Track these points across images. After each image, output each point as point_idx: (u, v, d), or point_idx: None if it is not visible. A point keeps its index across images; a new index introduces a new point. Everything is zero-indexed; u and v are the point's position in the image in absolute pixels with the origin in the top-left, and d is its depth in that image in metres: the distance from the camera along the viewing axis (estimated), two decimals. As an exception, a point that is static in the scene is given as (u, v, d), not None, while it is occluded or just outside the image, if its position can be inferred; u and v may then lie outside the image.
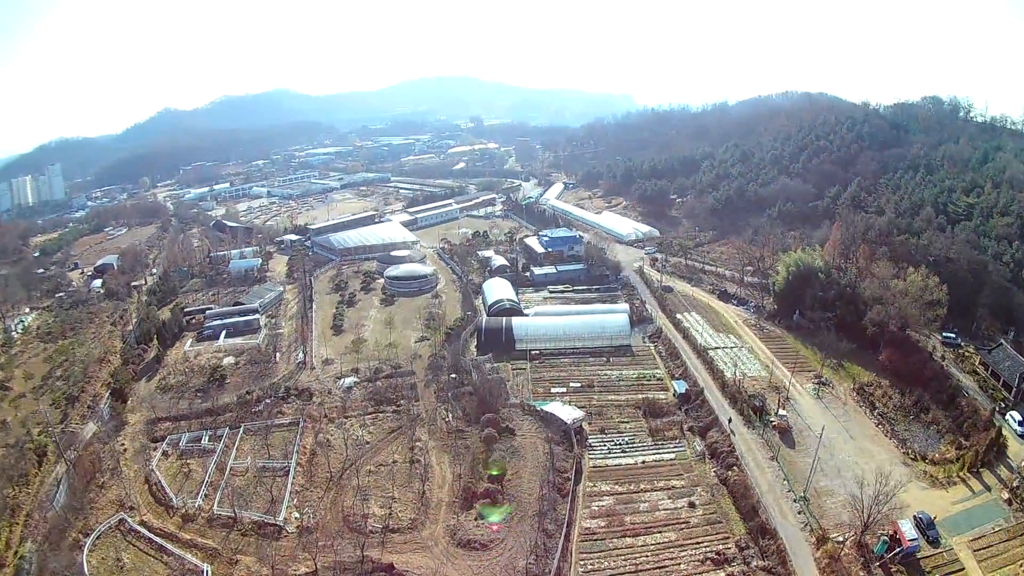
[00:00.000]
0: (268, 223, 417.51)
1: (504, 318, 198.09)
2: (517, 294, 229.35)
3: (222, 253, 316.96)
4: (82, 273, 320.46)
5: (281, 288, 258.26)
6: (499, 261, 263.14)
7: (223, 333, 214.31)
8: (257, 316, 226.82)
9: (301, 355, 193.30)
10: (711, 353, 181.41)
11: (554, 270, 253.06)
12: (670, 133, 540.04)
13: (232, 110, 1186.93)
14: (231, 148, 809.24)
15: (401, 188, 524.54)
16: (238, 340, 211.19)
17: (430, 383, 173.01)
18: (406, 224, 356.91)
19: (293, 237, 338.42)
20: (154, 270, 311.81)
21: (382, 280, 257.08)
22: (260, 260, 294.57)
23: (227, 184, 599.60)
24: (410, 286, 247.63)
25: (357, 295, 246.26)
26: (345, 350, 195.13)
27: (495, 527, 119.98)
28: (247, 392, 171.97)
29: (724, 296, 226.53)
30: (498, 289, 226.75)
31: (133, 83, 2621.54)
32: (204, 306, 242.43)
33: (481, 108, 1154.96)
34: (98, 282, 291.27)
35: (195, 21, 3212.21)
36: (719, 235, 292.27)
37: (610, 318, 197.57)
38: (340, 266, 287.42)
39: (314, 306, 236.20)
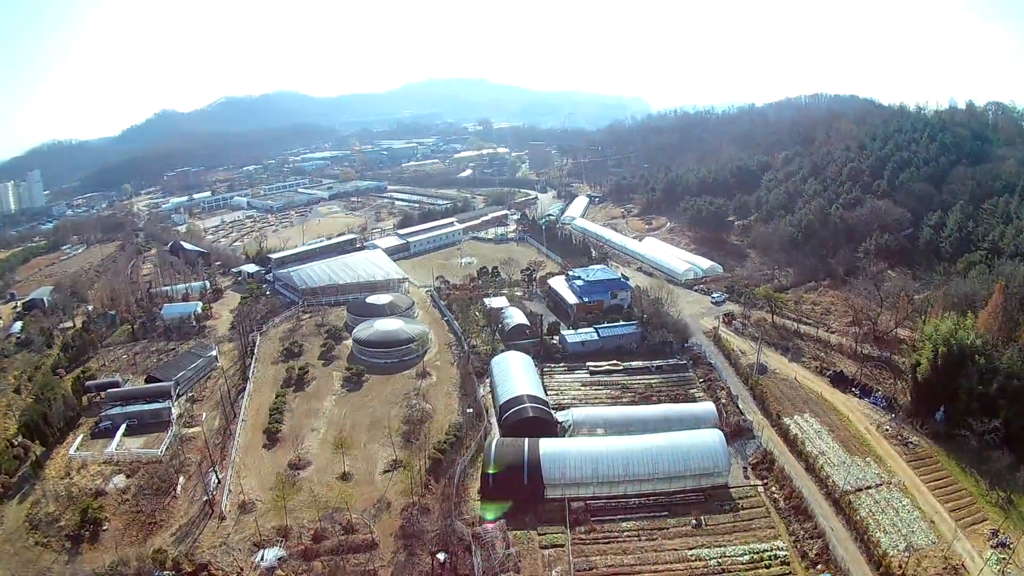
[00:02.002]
0: (235, 243, 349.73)
1: (526, 441, 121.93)
2: (543, 377, 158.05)
3: (166, 288, 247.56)
4: (15, 308, 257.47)
5: (213, 352, 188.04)
6: (515, 318, 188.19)
7: (123, 427, 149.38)
8: (168, 403, 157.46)
9: (212, 488, 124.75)
10: (853, 500, 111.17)
11: (595, 336, 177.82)
12: (706, 138, 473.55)
13: (232, 112, 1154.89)
14: (224, 152, 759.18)
15: (397, 200, 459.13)
16: (138, 443, 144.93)
17: (402, 569, 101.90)
18: (395, 250, 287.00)
19: (251, 268, 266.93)
20: (91, 306, 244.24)
21: (351, 342, 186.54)
22: (199, 305, 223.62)
23: (208, 193, 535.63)
24: (387, 356, 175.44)
25: (312, 369, 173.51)
26: (276, 482, 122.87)
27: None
28: (120, 564, 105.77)
29: (839, 381, 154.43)
30: (516, 374, 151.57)
31: (135, 84, 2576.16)
32: (109, 379, 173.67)
33: (490, 110, 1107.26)
34: (18, 324, 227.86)
35: (199, 20, 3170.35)
36: (802, 274, 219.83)
37: (694, 439, 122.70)
38: (300, 315, 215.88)
39: (249, 387, 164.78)
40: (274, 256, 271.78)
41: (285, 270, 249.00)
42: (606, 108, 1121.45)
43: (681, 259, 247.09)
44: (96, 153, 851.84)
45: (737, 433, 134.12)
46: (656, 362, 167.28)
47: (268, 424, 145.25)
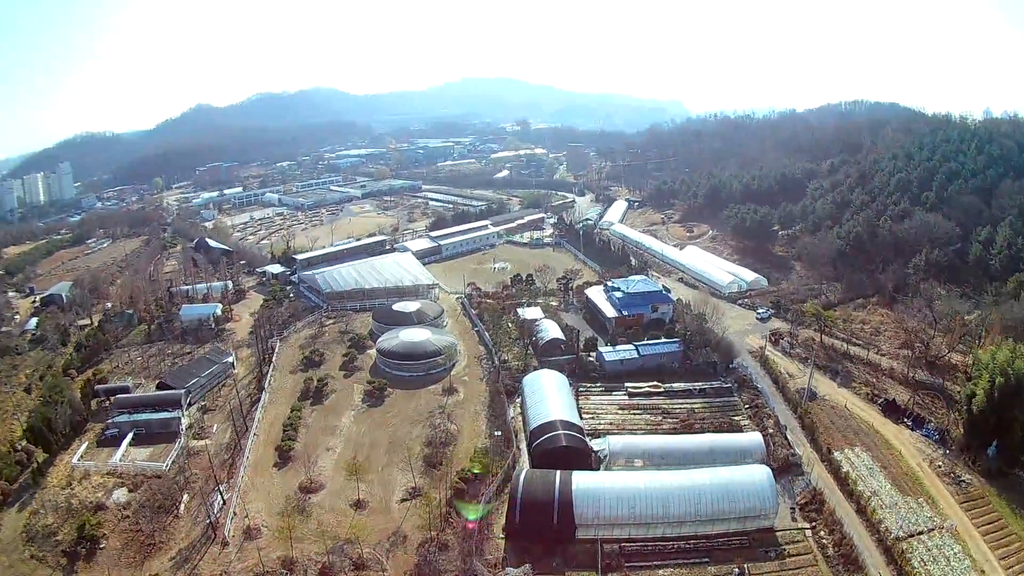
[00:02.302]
0: (263, 242, 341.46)
1: (557, 475, 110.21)
2: (578, 398, 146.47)
3: (186, 287, 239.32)
4: (34, 302, 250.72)
5: (230, 358, 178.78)
6: (550, 333, 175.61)
7: (130, 435, 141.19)
8: (178, 414, 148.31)
9: (216, 510, 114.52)
10: (905, 549, 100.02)
11: (635, 353, 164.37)
12: (747, 143, 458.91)
13: (267, 108, 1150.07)
14: (258, 148, 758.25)
15: (432, 200, 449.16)
16: (144, 454, 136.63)
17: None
18: (426, 253, 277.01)
19: (276, 269, 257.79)
20: (109, 304, 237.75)
21: (375, 352, 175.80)
22: (219, 307, 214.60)
23: (239, 188, 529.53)
24: (412, 369, 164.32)
25: (332, 380, 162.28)
26: (286, 506, 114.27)
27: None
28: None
29: (891, 410, 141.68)
30: (549, 396, 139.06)
31: (172, 77, 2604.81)
32: (118, 384, 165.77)
33: (527, 111, 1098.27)
34: (34, 321, 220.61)
35: (238, 14, 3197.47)
36: (850, 290, 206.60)
37: (740, 476, 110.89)
38: (323, 320, 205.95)
39: (264, 399, 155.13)
40: (299, 257, 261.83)
41: (310, 272, 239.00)
42: (644, 111, 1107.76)
43: (724, 270, 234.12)
44: (129, 146, 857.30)
45: (785, 468, 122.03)
46: (699, 384, 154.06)
47: (281, 441, 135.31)
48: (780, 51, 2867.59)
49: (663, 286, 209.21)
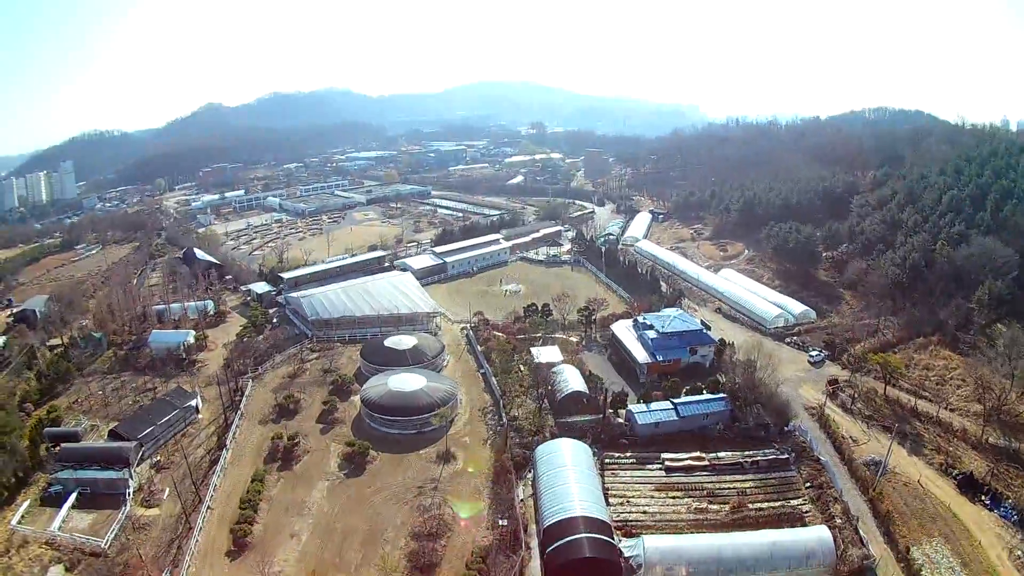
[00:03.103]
0: (256, 252, 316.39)
1: None
2: (603, 473, 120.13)
3: (161, 307, 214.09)
4: (9, 316, 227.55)
5: (194, 401, 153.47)
6: (571, 383, 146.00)
7: (72, 496, 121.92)
8: (125, 474, 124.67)
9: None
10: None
11: (673, 415, 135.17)
12: (775, 151, 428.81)
13: (279, 108, 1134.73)
14: (268, 148, 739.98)
15: (440, 207, 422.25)
16: (87, 521, 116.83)
17: None
18: (429, 272, 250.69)
19: (261, 288, 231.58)
20: (84, 322, 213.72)
21: (359, 400, 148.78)
22: (191, 334, 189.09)
23: (241, 191, 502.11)
24: (402, 426, 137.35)
25: (305, 438, 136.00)
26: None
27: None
28: None
29: (968, 486, 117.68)
30: (569, 479, 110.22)
31: (186, 76, 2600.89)
32: (69, 429, 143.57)
33: (543, 114, 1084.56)
34: (1, 340, 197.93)
35: (253, 13, 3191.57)
36: (908, 327, 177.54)
37: None
38: (306, 354, 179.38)
39: (225, 458, 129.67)
40: (286, 276, 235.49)
41: (297, 294, 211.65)
42: (663, 116, 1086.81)
43: (768, 300, 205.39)
44: (138, 145, 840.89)
45: (857, 574, 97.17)
46: (750, 455, 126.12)
47: (237, 521, 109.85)
48: (798, 56, 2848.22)
49: (701, 321, 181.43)
